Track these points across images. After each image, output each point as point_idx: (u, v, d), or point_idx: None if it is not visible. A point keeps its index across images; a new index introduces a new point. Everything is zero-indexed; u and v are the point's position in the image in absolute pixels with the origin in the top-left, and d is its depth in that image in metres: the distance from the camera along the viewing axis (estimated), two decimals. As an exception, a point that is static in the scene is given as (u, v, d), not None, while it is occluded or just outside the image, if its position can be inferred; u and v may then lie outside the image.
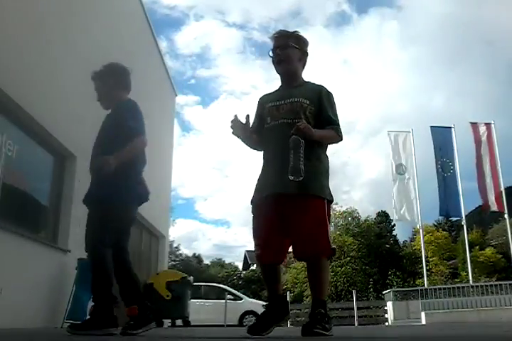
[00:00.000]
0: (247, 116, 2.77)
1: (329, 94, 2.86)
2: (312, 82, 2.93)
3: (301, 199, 2.57)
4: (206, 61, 67.50)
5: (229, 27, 67.92)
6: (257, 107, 2.93)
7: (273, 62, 2.93)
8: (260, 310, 10.15)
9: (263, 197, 2.64)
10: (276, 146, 2.68)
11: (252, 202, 2.75)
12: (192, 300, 12.33)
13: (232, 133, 2.79)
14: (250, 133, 2.82)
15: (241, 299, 15.47)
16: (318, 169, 2.66)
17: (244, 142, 2.88)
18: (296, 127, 2.54)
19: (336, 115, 2.82)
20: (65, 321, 5.73)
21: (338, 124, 2.80)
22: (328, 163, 2.80)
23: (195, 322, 10.87)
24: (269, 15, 72.41)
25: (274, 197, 2.60)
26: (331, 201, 2.72)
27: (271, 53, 2.92)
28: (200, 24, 65.63)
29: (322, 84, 2.91)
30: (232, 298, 14.93)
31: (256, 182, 2.78)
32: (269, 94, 2.95)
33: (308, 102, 2.74)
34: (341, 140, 2.79)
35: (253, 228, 2.74)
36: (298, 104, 2.73)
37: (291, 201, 2.58)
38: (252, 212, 2.76)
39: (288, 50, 2.85)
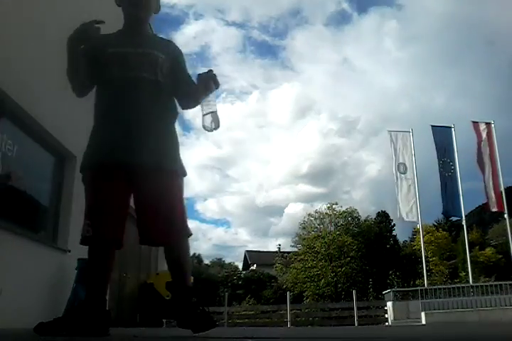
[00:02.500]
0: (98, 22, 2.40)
1: (182, 53, 2.61)
2: (156, 35, 2.72)
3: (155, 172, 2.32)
4: (206, 60, 67.45)
5: (228, 26, 67.96)
6: (85, 44, 2.42)
7: (124, 2, 2.57)
8: None
9: (106, 162, 2.29)
10: (123, 102, 2.32)
11: (82, 173, 2.40)
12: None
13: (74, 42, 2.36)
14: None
15: None
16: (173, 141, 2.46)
17: (72, 73, 2.42)
18: (211, 76, 2.36)
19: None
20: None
21: None
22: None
23: None
24: (269, 14, 72.31)
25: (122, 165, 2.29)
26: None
27: None
28: (200, 23, 65.68)
29: (170, 40, 2.65)
30: None
31: (91, 138, 2.40)
32: (107, 35, 2.53)
33: (163, 56, 2.44)
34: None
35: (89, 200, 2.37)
36: (153, 56, 2.41)
37: (144, 173, 2.31)
38: (84, 185, 2.40)
39: None
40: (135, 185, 2.33)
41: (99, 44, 2.42)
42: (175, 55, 2.53)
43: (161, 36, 2.69)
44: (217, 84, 2.39)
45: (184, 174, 2.49)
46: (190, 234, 2.42)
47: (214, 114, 2.33)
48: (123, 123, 2.28)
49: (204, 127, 2.33)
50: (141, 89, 2.34)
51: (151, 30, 2.67)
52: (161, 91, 2.40)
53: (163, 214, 2.30)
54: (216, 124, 2.31)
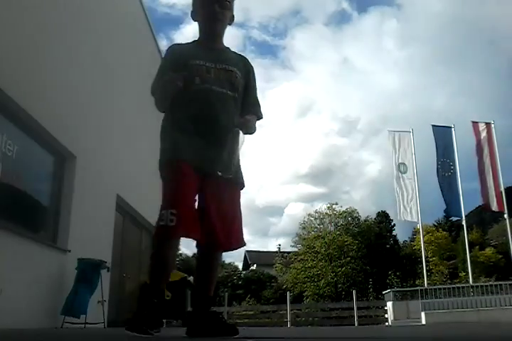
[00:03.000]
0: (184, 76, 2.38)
1: (253, 70, 2.65)
2: (229, 48, 2.67)
3: (230, 185, 2.43)
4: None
5: (228, 25, 67.84)
6: (172, 57, 2.52)
7: (201, 16, 2.56)
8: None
9: (192, 165, 2.37)
10: (208, 114, 2.39)
11: (171, 161, 2.49)
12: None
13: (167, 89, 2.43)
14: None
15: None
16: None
17: (162, 99, 2.54)
18: (243, 121, 2.37)
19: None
20: (64, 321, 5.73)
21: (260, 108, 2.63)
22: None
23: None
24: (269, 13, 72.33)
25: (203, 172, 2.38)
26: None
27: (204, 5, 2.53)
28: (200, 23, 65.49)
29: (241, 54, 2.68)
30: None
31: (170, 138, 2.56)
32: (187, 47, 2.58)
33: (240, 75, 2.50)
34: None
35: (173, 190, 2.43)
36: (233, 74, 2.47)
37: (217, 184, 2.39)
38: (170, 173, 2.49)
39: (227, 11, 2.57)
40: (208, 191, 2.41)
41: (181, 57, 2.47)
42: (248, 72, 2.59)
43: (234, 51, 2.67)
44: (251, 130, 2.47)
45: (243, 186, 2.58)
46: (244, 244, 2.48)
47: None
48: (209, 133, 2.38)
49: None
50: (225, 102, 2.42)
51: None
52: (236, 108, 2.49)
53: (228, 222, 2.37)
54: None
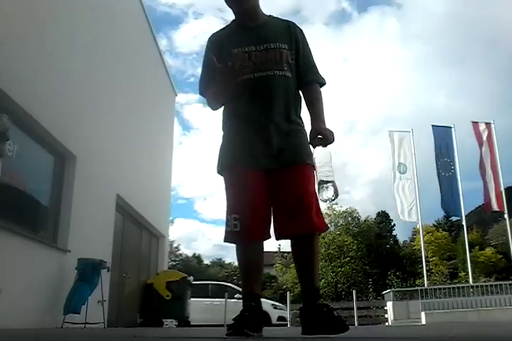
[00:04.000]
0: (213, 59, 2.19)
1: (303, 33, 2.42)
2: (273, 15, 2.44)
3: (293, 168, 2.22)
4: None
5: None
6: (213, 50, 2.32)
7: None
8: (271, 310, 10.03)
9: (249, 165, 2.21)
10: (257, 105, 2.24)
11: (226, 167, 2.29)
12: (199, 299, 12.17)
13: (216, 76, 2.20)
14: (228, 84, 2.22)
15: None
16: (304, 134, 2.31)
17: (220, 94, 2.29)
18: (321, 137, 2.16)
19: (314, 60, 2.41)
20: (64, 321, 5.73)
21: (319, 72, 2.41)
22: None
23: (203, 322, 10.86)
24: (269, 13, 72.04)
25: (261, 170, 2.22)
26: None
27: None
28: (200, 22, 65.58)
29: (286, 19, 2.46)
30: (240, 296, 14.30)
31: (223, 141, 2.33)
32: (224, 34, 2.39)
33: (286, 47, 2.30)
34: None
35: (235, 195, 2.25)
36: (277, 51, 2.28)
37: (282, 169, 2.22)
38: (228, 179, 2.30)
39: None
40: (272, 183, 2.24)
41: (222, 48, 2.31)
42: (296, 40, 2.36)
43: (277, 17, 2.43)
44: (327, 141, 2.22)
45: (309, 163, 2.29)
46: (323, 226, 2.24)
47: (333, 184, 2.17)
48: (262, 125, 2.23)
49: (324, 200, 2.19)
50: (273, 86, 2.25)
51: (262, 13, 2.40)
52: (289, 85, 2.30)
53: (297, 207, 2.16)
54: (336, 194, 2.17)
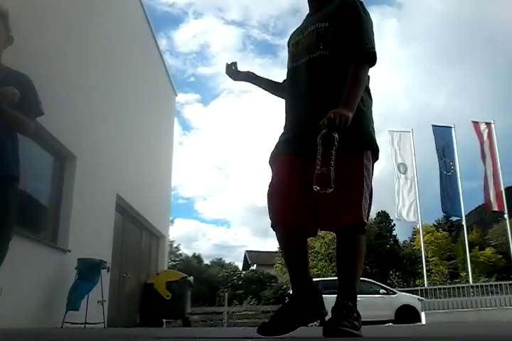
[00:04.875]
0: (234, 64, 2.43)
1: (356, 5, 2.14)
2: None
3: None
4: (205, 59, 67.47)
5: (228, 24, 67.75)
6: (288, 51, 2.38)
7: None
8: (417, 305, 9.73)
9: (290, 154, 2.12)
10: (297, 93, 2.17)
11: (269, 160, 2.22)
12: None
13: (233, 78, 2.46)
14: (268, 82, 2.44)
15: (394, 293, 13.83)
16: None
17: (269, 91, 2.46)
18: (326, 120, 1.91)
19: (365, 31, 2.13)
20: (64, 321, 5.73)
21: (369, 47, 2.10)
22: (369, 103, 2.21)
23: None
24: (268, 12, 72.17)
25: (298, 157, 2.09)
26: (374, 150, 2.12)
27: None
28: (199, 22, 65.56)
29: None
30: (384, 292, 13.69)
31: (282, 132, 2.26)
32: (297, 28, 2.38)
33: (326, 24, 2.12)
34: (373, 65, 2.15)
35: (269, 183, 2.16)
36: (314, 32, 2.14)
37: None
38: (271, 171, 2.22)
39: None
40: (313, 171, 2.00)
41: (290, 41, 2.33)
42: (342, 14, 2.12)
43: None
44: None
45: (364, 148, 2.08)
46: (363, 221, 2.02)
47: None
48: (302, 113, 2.12)
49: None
50: (312, 70, 2.10)
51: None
52: (327, 65, 2.09)
53: (339, 198, 1.97)
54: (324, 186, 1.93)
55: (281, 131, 2.27)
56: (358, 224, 2.01)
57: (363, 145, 2.08)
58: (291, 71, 2.22)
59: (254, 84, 2.49)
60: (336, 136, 1.90)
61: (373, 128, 2.20)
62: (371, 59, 2.13)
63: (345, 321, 1.82)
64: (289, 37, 2.41)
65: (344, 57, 2.08)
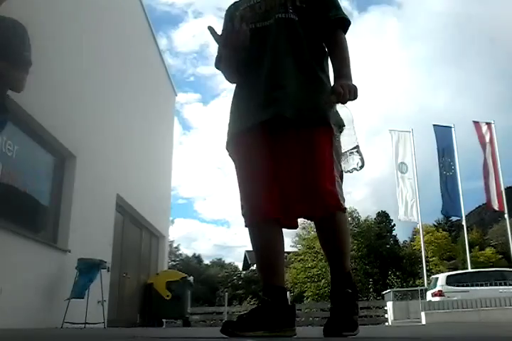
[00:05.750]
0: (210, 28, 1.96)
1: None
2: None
3: (303, 130, 1.83)
4: (205, 59, 67.47)
5: (228, 24, 67.72)
6: (225, 20, 2.14)
7: None
8: None
9: (245, 129, 1.89)
10: (255, 58, 1.95)
11: (227, 143, 1.99)
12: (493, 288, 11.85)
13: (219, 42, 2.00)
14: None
15: None
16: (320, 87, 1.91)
17: (226, 69, 2.10)
18: (335, 96, 1.74)
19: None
20: (64, 321, 5.73)
21: (345, 15, 2.02)
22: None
23: None
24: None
25: (260, 128, 1.85)
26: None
27: None
28: (199, 21, 65.56)
29: None
30: None
31: (229, 115, 2.02)
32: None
33: None
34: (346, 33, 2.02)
35: (237, 173, 1.96)
36: None
37: (286, 133, 1.84)
38: (231, 156, 2.00)
39: None
40: (277, 149, 1.87)
41: (235, 10, 2.11)
42: None
43: None
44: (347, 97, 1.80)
45: (326, 124, 1.86)
46: (341, 208, 1.86)
47: (358, 149, 1.79)
48: (259, 78, 1.90)
49: (349, 171, 1.78)
50: (274, 34, 1.93)
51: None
52: (296, 30, 1.94)
53: (305, 181, 1.78)
54: (363, 162, 1.79)
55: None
56: (336, 211, 1.84)
57: (331, 120, 1.86)
58: (253, 31, 1.96)
59: (232, 55, 2.09)
60: (349, 109, 1.79)
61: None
62: (348, 27, 2.07)
63: (347, 322, 1.75)
64: (227, 9, 2.19)
65: (314, 24, 1.97)
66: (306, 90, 1.87)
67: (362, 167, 1.79)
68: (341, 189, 1.90)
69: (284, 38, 1.94)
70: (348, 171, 1.79)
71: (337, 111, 1.80)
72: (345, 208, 1.89)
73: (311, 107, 1.83)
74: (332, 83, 1.92)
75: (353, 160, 1.78)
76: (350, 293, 1.81)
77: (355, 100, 1.79)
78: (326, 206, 1.80)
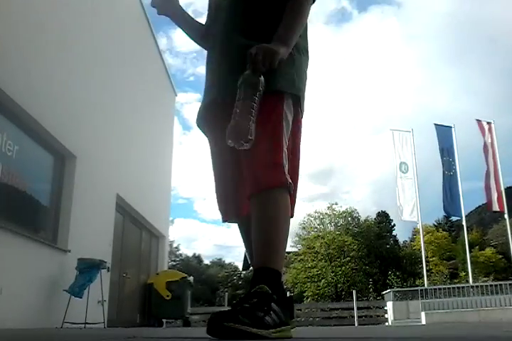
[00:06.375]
0: None
1: None
2: None
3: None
4: (205, 58, 67.46)
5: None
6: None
7: None
8: None
9: (205, 105, 1.81)
10: (214, 53, 1.87)
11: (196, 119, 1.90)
12: None
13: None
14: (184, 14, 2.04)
15: None
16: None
17: (182, 29, 2.13)
18: (249, 57, 1.54)
19: None
20: (64, 321, 5.74)
21: None
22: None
23: None
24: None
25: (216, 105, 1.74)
26: (294, 96, 1.70)
27: None
28: (199, 21, 65.49)
29: None
30: None
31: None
32: None
33: None
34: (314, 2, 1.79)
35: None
36: None
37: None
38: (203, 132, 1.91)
39: None
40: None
41: None
42: None
43: None
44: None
45: (291, 93, 1.68)
46: (285, 185, 1.58)
47: (236, 123, 1.52)
48: (215, 49, 1.85)
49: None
50: (228, 11, 1.82)
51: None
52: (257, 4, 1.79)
53: (249, 155, 1.59)
54: (238, 141, 1.53)
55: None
56: (276, 185, 1.57)
57: (282, 87, 1.65)
58: (213, 6, 1.94)
59: (178, 24, 2.17)
60: (262, 78, 1.53)
61: (302, 81, 1.76)
62: None
63: (243, 314, 1.27)
64: None
65: None
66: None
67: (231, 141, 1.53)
68: (292, 169, 1.66)
69: (239, 4, 1.81)
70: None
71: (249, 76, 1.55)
72: (290, 184, 1.59)
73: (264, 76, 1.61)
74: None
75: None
76: (264, 293, 1.39)
77: (271, 67, 1.55)
78: (266, 179, 1.57)
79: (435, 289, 13.63)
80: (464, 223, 14.94)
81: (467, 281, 15.43)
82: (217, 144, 1.76)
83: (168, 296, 9.67)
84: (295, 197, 1.70)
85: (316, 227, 28.29)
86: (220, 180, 1.83)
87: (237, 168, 1.69)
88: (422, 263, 16.27)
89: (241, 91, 1.53)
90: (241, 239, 1.85)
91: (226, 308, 1.48)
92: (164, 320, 10.49)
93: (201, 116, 1.85)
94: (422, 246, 15.53)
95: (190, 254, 40.73)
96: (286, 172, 1.59)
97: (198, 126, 1.91)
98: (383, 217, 30.43)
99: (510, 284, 12.70)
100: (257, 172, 1.58)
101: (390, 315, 13.62)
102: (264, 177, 1.57)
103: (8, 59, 5.14)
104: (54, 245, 6.21)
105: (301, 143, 1.79)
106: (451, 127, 15.30)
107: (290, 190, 1.60)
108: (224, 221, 1.83)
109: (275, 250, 1.52)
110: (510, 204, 14.80)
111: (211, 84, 1.80)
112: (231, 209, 1.78)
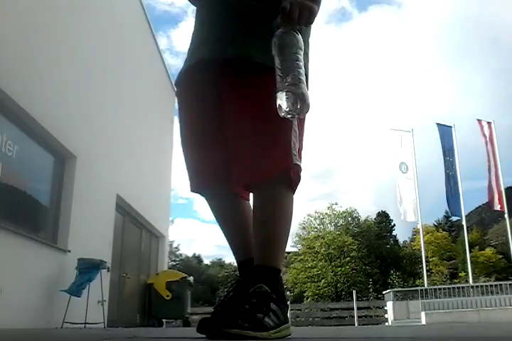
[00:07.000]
0: None
1: None
2: None
3: (252, 73, 1.47)
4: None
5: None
6: None
7: None
8: None
9: (190, 65, 1.63)
10: (208, 9, 1.73)
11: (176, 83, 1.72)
12: None
13: None
14: None
15: None
16: None
17: None
18: (283, 13, 1.33)
19: None
20: (64, 321, 5.74)
21: None
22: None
23: None
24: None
25: (207, 65, 1.55)
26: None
27: None
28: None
29: None
30: None
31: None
32: None
33: None
34: None
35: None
36: None
37: (233, 74, 1.49)
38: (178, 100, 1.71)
39: None
40: (225, 102, 1.52)
41: None
42: None
43: None
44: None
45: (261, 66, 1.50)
46: (295, 182, 1.47)
47: (291, 89, 1.27)
48: (209, 28, 1.66)
49: (281, 114, 1.28)
50: None
51: None
52: None
53: (257, 140, 1.45)
54: (295, 105, 1.25)
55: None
56: (285, 175, 1.45)
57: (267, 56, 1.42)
58: None
59: None
60: (300, 36, 1.34)
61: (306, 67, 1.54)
62: None
63: (243, 318, 1.25)
64: None
65: None
66: (249, 20, 1.53)
67: (295, 111, 1.27)
68: (299, 156, 1.50)
69: None
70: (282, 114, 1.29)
71: (282, 36, 1.34)
72: (295, 180, 1.48)
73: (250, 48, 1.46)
74: None
75: (284, 102, 1.27)
76: (264, 293, 1.34)
77: (310, 25, 1.37)
78: (276, 167, 1.44)
79: (435, 289, 13.63)
80: (464, 223, 14.94)
81: (467, 281, 15.44)
82: (202, 109, 1.57)
83: (168, 296, 9.67)
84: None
85: (316, 227, 28.31)
86: (199, 147, 1.58)
87: (224, 144, 1.51)
88: (422, 263, 16.27)
89: (278, 54, 1.32)
90: (213, 216, 1.67)
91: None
92: (164, 320, 10.49)
93: (187, 79, 1.64)
94: (422, 246, 15.53)
95: (190, 254, 40.79)
96: (297, 162, 1.46)
97: (177, 85, 1.73)
98: (383, 217, 30.44)
99: (510, 284, 12.71)
100: (265, 161, 1.43)
101: (390, 315, 13.62)
102: (272, 166, 1.44)
103: (8, 59, 5.14)
104: (54, 245, 6.21)
105: (304, 135, 1.64)
106: (451, 127, 15.30)
107: (298, 180, 1.48)
108: (195, 191, 1.64)
109: (278, 248, 1.47)
110: (511, 204, 14.80)
111: (201, 42, 1.63)
112: (214, 180, 1.57)
